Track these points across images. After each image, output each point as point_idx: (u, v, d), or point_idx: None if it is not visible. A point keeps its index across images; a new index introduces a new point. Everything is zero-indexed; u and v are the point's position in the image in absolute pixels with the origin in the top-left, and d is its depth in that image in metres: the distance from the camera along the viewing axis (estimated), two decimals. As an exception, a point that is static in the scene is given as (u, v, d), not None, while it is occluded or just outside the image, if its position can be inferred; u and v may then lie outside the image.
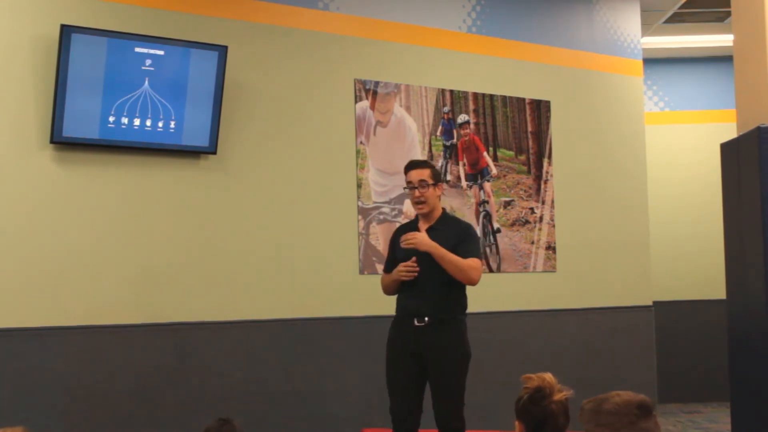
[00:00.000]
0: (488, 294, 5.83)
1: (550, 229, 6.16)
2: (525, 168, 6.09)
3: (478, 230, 5.83)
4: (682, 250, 8.10)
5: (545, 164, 6.17)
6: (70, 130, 4.39)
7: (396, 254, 4.12)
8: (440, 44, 5.80)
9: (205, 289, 4.85)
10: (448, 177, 5.77)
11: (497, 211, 5.94)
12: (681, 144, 8.29)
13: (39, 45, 4.40)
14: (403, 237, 4.00)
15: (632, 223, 6.51)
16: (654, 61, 8.14)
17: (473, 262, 3.95)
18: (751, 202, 4.46)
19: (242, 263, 4.98)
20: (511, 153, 6.04)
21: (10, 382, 4.28)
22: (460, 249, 3.95)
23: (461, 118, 5.84)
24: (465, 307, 4.10)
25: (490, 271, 5.87)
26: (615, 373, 6.10)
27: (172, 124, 4.68)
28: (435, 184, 4.05)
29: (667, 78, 8.38)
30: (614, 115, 6.52)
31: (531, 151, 6.12)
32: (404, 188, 4.16)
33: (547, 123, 6.19)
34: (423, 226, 4.08)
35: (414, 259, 3.97)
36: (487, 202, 5.91)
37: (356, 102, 5.44)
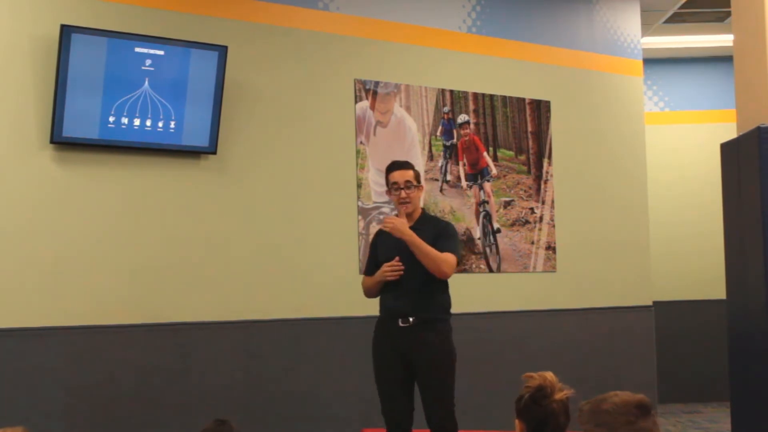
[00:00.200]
0: (488, 294, 5.85)
1: (550, 229, 6.16)
2: (525, 168, 6.09)
3: (478, 230, 5.84)
4: (682, 250, 8.10)
5: (545, 164, 6.17)
6: (70, 130, 4.39)
7: (378, 256, 4.13)
8: (440, 44, 5.80)
9: (205, 289, 4.85)
10: (448, 177, 5.77)
11: (497, 211, 5.94)
12: (681, 144, 8.29)
13: (39, 45, 4.40)
14: (384, 220, 4.03)
15: (632, 223, 6.51)
16: (654, 61, 8.14)
17: (447, 256, 3.95)
18: (751, 202, 4.46)
19: (242, 263, 4.98)
20: (511, 153, 6.04)
21: (10, 382, 4.28)
22: (438, 244, 3.97)
23: (461, 118, 5.84)
24: (449, 306, 4.09)
25: (490, 271, 5.87)
26: (615, 373, 6.10)
27: (172, 124, 4.68)
28: (418, 185, 4.10)
29: (667, 78, 8.38)
30: (614, 115, 6.53)
31: (531, 151, 6.12)
32: (387, 189, 4.15)
33: (547, 123, 6.19)
34: (411, 231, 4.08)
35: (397, 258, 3.98)
36: (487, 202, 5.91)
37: (356, 102, 5.44)
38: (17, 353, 4.32)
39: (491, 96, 5.96)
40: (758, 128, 4.34)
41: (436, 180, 5.72)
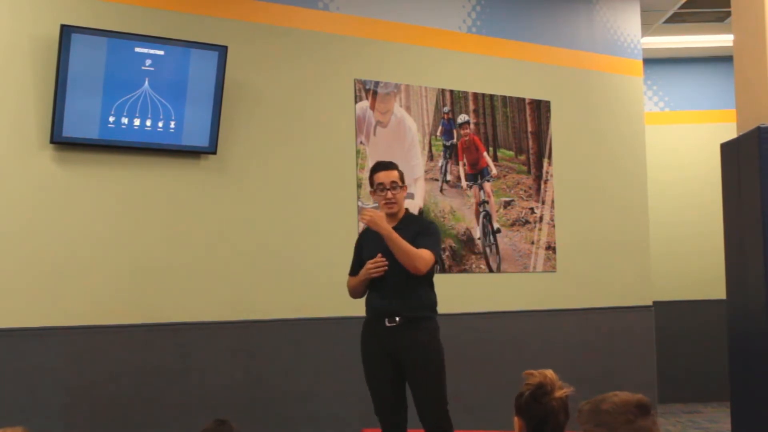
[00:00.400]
0: (488, 294, 5.85)
1: (550, 229, 6.16)
2: (525, 168, 6.09)
3: (478, 230, 5.84)
4: (682, 250, 8.10)
5: (545, 164, 6.17)
6: (70, 130, 4.39)
7: (362, 256, 4.13)
8: (440, 44, 5.80)
9: (205, 289, 4.85)
10: (448, 177, 5.77)
11: (497, 211, 5.94)
12: (681, 144, 8.29)
13: (39, 45, 4.41)
14: (362, 212, 4.02)
15: (632, 223, 6.51)
16: (654, 61, 8.14)
17: (423, 252, 3.94)
18: (751, 202, 4.46)
19: (242, 263, 4.98)
20: (511, 153, 6.04)
21: (10, 382, 4.28)
22: (417, 240, 3.97)
23: (461, 118, 5.84)
24: (435, 304, 4.09)
25: (490, 271, 5.87)
26: (615, 373, 6.10)
27: (172, 124, 4.68)
28: (402, 186, 4.11)
29: (667, 78, 8.38)
30: (614, 115, 6.53)
31: (531, 151, 6.12)
32: (372, 190, 4.15)
33: (547, 123, 6.19)
34: (389, 225, 4.09)
35: (380, 255, 3.98)
36: (487, 202, 5.91)
37: (356, 102, 5.44)
38: (17, 353, 4.32)
39: (491, 96, 5.96)
40: (758, 128, 4.34)
41: (436, 180, 5.72)
